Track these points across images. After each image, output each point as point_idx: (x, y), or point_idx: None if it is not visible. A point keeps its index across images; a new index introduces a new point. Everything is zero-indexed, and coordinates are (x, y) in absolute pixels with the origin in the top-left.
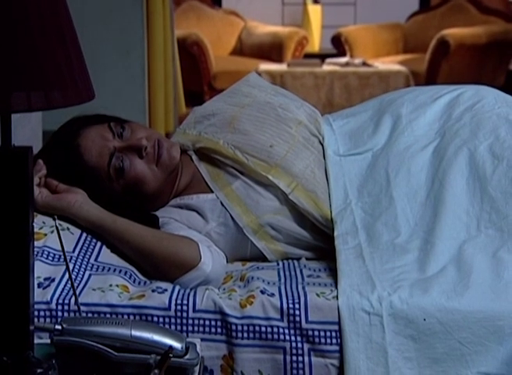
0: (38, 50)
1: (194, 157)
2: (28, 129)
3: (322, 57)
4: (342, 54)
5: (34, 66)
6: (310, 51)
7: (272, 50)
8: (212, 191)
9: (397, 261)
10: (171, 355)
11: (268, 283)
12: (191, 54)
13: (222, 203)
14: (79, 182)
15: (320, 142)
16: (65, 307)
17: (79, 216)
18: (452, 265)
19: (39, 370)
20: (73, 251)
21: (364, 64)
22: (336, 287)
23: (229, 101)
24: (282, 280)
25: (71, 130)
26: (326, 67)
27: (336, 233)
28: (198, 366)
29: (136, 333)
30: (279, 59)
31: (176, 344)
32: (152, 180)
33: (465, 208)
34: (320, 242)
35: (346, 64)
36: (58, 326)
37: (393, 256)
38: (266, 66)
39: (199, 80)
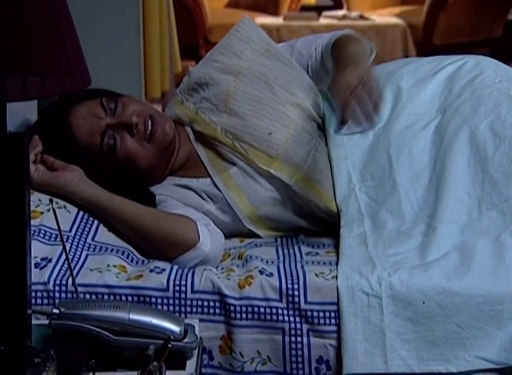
0: (32, 34)
1: (192, 136)
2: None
3: (319, 9)
4: (339, 6)
5: (29, 52)
6: (306, 3)
7: (268, 2)
8: (210, 175)
9: (400, 247)
10: (170, 346)
11: (267, 261)
12: (186, 7)
13: (219, 188)
14: (73, 160)
15: (319, 126)
16: (63, 288)
17: (75, 194)
18: (454, 251)
19: (37, 360)
20: (70, 231)
21: (361, 17)
22: (336, 266)
23: (222, 66)
24: (281, 258)
25: (62, 107)
26: (323, 21)
27: (342, 222)
28: (197, 348)
29: (134, 316)
30: (275, 12)
31: (175, 328)
32: (144, 157)
33: (466, 190)
34: (320, 227)
35: (343, 17)
36: (55, 310)
37: (397, 242)
38: (262, 20)
39: (194, 34)
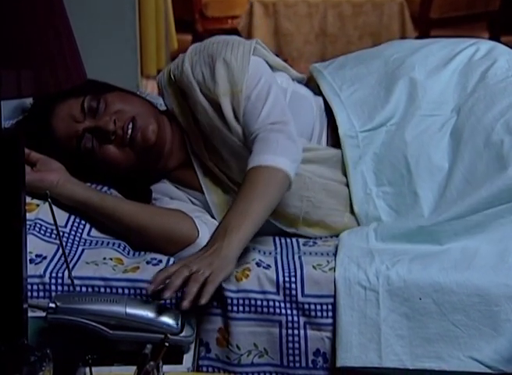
0: (27, 29)
1: (188, 145)
2: None
3: None
4: None
5: (23, 48)
6: None
7: None
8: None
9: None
10: (167, 345)
11: (264, 252)
12: None
13: (210, 208)
14: (56, 158)
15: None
16: (59, 281)
17: (64, 195)
18: (456, 246)
19: (33, 358)
20: (65, 226)
21: None
22: (334, 257)
23: (204, 83)
24: (278, 248)
25: (45, 104)
26: None
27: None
28: (194, 341)
29: (130, 310)
30: None
31: (171, 322)
32: (124, 161)
33: (486, 201)
34: None
35: None
36: (51, 305)
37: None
38: None
39: (190, 8)
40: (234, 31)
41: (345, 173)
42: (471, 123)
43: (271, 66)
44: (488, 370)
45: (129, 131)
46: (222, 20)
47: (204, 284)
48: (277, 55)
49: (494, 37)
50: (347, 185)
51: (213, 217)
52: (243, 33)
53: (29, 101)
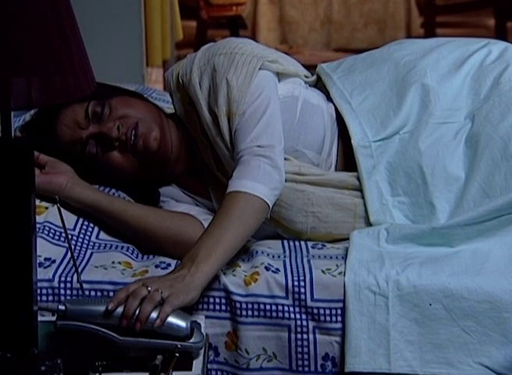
0: (37, 38)
1: (204, 170)
2: None
3: None
4: None
5: (33, 57)
6: None
7: None
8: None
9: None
10: (177, 355)
11: (273, 256)
12: None
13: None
14: (64, 161)
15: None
16: (68, 285)
17: (72, 198)
18: (469, 246)
19: (43, 368)
20: (74, 229)
21: None
22: (343, 260)
23: (208, 98)
24: (287, 252)
25: (51, 109)
26: None
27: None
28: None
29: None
30: None
31: (181, 324)
32: (128, 168)
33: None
34: None
35: None
36: (61, 307)
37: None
38: None
39: None
40: (239, 18)
41: (354, 184)
42: (487, 133)
43: (282, 74)
44: None
45: (132, 138)
46: (227, 7)
47: (162, 304)
48: (287, 54)
49: (500, 23)
50: (358, 196)
51: None
52: (247, 20)
53: None
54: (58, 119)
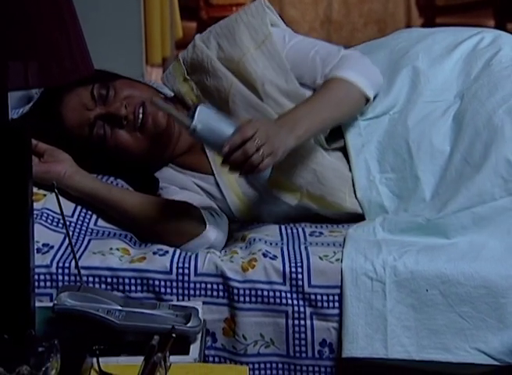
0: (33, 22)
1: None
2: None
3: None
4: None
5: (30, 39)
6: None
7: None
8: (213, 173)
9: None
10: (173, 336)
11: (271, 243)
12: None
13: (219, 188)
14: (65, 148)
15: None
16: (66, 271)
17: (71, 187)
18: (465, 237)
19: (40, 349)
20: (72, 216)
21: None
22: (340, 247)
23: (223, 55)
24: (285, 239)
25: (54, 95)
26: None
27: (366, 218)
28: (200, 332)
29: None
30: None
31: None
32: (136, 148)
33: (489, 181)
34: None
35: None
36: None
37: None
38: None
39: None
40: None
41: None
42: (474, 107)
43: None
44: (495, 362)
45: (140, 116)
46: (227, 8)
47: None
48: None
49: (500, 24)
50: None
51: (222, 203)
52: None
53: (35, 90)
54: (62, 103)
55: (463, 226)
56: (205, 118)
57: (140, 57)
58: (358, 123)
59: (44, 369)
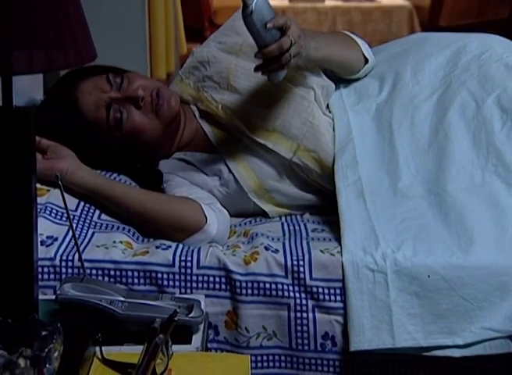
0: (38, 8)
1: (197, 114)
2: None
3: None
4: None
5: (34, 25)
6: None
7: None
8: (216, 151)
9: (398, 207)
10: (176, 319)
11: (273, 238)
12: None
13: (225, 163)
14: (80, 136)
15: (317, 94)
16: (69, 263)
17: (73, 183)
18: (456, 215)
19: (44, 333)
20: (76, 210)
21: None
22: (341, 242)
23: (225, 47)
24: (287, 235)
25: (68, 83)
26: (329, 2)
27: (335, 167)
28: (203, 323)
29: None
30: None
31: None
32: (151, 130)
33: (470, 160)
34: (326, 204)
35: None
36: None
37: (394, 201)
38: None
39: (199, 16)
40: None
41: None
42: (463, 96)
43: None
44: (499, 334)
45: (156, 99)
46: None
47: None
48: None
49: None
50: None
51: (229, 178)
52: None
53: (40, 95)
54: (78, 89)
55: (452, 200)
56: (260, 5)
57: (145, 72)
58: (346, 110)
59: (46, 350)
